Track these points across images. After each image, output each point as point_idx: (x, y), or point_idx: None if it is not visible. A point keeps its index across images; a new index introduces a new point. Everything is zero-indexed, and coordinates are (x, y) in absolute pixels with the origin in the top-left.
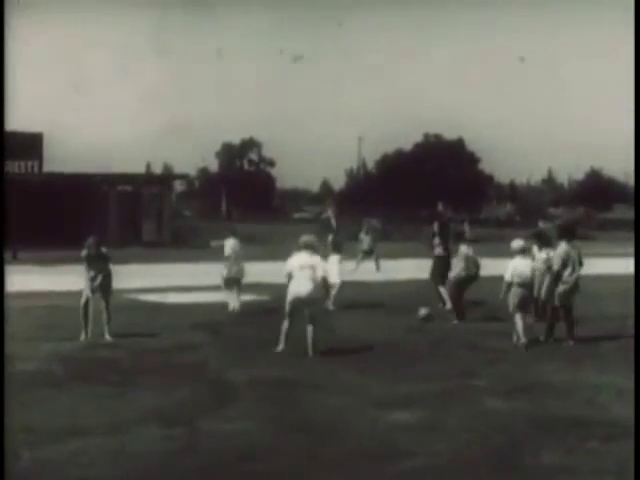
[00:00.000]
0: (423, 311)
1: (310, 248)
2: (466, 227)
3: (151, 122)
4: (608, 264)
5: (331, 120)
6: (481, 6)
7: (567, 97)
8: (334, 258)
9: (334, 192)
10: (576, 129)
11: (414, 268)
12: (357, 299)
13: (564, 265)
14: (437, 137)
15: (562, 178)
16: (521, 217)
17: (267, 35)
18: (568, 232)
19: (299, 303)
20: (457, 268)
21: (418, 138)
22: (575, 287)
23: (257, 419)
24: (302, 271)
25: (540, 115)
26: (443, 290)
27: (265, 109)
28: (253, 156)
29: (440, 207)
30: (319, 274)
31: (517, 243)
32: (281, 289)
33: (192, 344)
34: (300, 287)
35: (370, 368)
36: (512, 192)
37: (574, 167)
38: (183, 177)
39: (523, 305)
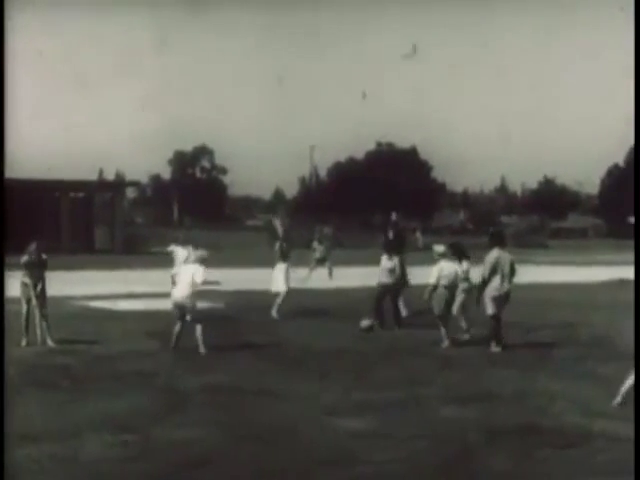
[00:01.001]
0: (365, 322)
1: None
2: (418, 235)
3: (106, 129)
4: (561, 272)
5: (283, 128)
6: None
7: (523, 105)
8: (281, 266)
9: (286, 200)
10: (532, 138)
11: (366, 275)
12: (308, 307)
13: (493, 272)
14: (389, 145)
15: (515, 186)
16: (474, 225)
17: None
18: (499, 239)
19: (177, 306)
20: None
21: (371, 146)
22: (507, 295)
23: (208, 425)
24: (182, 278)
25: (495, 123)
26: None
27: (218, 116)
28: (205, 163)
29: (394, 217)
30: (186, 277)
31: (440, 247)
32: (236, 297)
33: (142, 351)
34: (176, 292)
35: (319, 376)
36: (465, 200)
37: (528, 176)
38: (135, 184)
39: (449, 307)
